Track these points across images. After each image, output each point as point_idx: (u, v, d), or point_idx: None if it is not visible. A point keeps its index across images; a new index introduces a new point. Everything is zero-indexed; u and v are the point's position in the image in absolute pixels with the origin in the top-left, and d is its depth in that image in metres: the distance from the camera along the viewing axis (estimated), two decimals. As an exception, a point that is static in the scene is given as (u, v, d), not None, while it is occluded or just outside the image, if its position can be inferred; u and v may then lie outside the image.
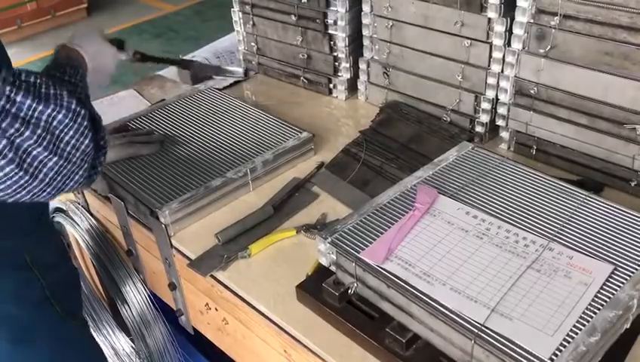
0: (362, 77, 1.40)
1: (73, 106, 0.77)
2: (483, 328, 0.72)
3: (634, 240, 0.84)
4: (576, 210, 0.90)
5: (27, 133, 0.73)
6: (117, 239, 1.23)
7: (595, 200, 0.92)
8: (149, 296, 1.20)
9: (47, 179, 0.76)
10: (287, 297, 0.91)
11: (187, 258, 1.02)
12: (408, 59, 1.29)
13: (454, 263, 0.82)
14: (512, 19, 1.09)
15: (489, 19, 1.12)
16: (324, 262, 0.89)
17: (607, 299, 0.75)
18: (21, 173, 0.73)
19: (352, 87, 1.44)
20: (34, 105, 0.74)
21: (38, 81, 0.76)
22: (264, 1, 1.45)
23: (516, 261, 0.82)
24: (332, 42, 1.39)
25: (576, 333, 0.71)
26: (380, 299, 0.82)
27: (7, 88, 0.72)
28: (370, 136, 1.26)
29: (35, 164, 0.74)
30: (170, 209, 1.03)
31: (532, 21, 1.06)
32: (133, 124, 1.30)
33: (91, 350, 1.08)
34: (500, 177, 0.98)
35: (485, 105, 1.20)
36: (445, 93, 1.25)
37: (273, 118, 1.27)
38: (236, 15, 1.53)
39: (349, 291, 0.85)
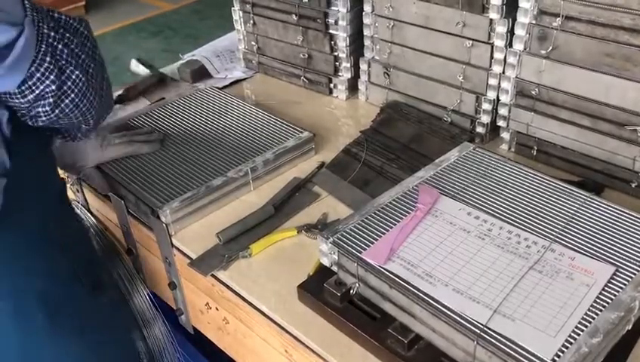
0: (363, 77, 1.40)
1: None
2: (485, 329, 0.72)
3: (635, 242, 0.84)
4: (577, 211, 0.90)
5: (75, 41, 0.80)
6: (117, 238, 1.23)
7: (596, 201, 0.92)
8: (148, 295, 1.19)
9: (97, 89, 0.84)
10: (289, 297, 0.91)
11: (188, 257, 1.02)
12: (409, 60, 1.29)
13: (456, 264, 0.82)
14: (514, 20, 1.09)
15: (491, 20, 1.12)
16: (325, 262, 0.89)
17: (609, 301, 0.75)
18: (84, 79, 0.81)
19: (353, 87, 1.44)
20: (68, 19, 0.82)
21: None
22: (265, 0, 1.45)
23: (518, 262, 0.82)
24: (333, 42, 1.38)
25: (579, 334, 0.71)
26: (381, 299, 0.82)
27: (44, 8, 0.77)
28: (371, 136, 1.26)
29: (89, 70, 0.83)
30: (171, 208, 1.03)
31: (534, 22, 1.06)
32: (133, 123, 1.29)
33: (120, 324, 1.09)
34: (501, 178, 0.98)
35: (486, 106, 1.20)
36: (446, 94, 1.25)
37: (274, 118, 1.27)
38: (237, 14, 1.53)
39: (351, 291, 0.85)
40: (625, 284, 0.77)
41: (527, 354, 0.69)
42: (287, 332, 0.88)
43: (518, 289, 0.78)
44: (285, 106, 1.40)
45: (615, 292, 0.76)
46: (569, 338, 0.71)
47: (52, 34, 0.77)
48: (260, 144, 1.19)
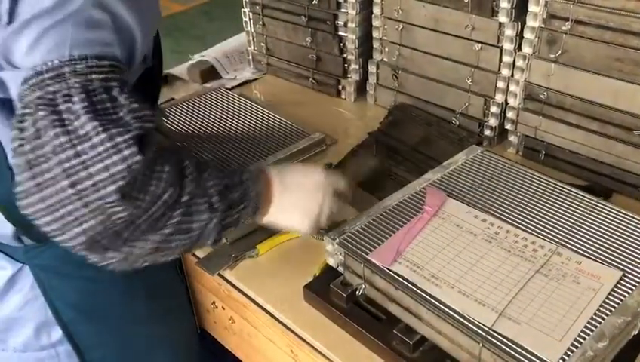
0: (371, 79, 1.40)
1: (131, 159, 0.64)
2: (491, 331, 0.72)
3: (643, 247, 0.84)
4: (584, 216, 0.90)
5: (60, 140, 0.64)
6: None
7: (604, 205, 0.92)
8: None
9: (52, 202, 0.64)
10: (294, 297, 0.91)
11: (195, 256, 1.02)
12: (418, 62, 1.29)
13: (463, 266, 0.82)
14: (523, 23, 1.09)
15: (500, 23, 1.12)
16: (331, 262, 0.89)
17: (616, 305, 0.75)
18: (29, 179, 0.63)
19: (361, 89, 1.44)
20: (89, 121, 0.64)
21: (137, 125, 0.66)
22: (274, 1, 1.45)
23: (524, 265, 0.82)
24: (342, 44, 1.39)
25: (584, 339, 0.71)
26: (387, 300, 0.83)
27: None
28: (379, 139, 1.26)
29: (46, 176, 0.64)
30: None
31: (543, 26, 1.06)
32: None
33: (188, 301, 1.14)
34: (509, 181, 0.98)
35: (494, 109, 1.20)
36: (454, 97, 1.25)
37: (284, 119, 1.27)
38: (246, 15, 1.54)
39: (357, 292, 0.86)
40: (632, 289, 0.77)
41: (532, 358, 0.69)
42: (293, 332, 0.89)
43: (524, 292, 0.78)
44: (293, 107, 1.41)
45: (622, 297, 0.76)
46: (575, 342, 0.71)
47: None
48: (271, 145, 1.19)
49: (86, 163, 0.63)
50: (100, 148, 0.63)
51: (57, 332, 0.92)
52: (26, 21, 0.66)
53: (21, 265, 0.89)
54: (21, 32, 0.66)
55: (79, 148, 0.63)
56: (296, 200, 0.82)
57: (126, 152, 0.64)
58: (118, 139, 0.64)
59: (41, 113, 0.64)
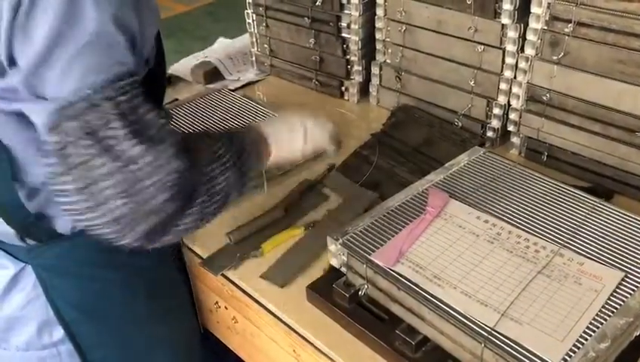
0: (374, 80, 1.40)
1: (170, 164, 0.70)
2: (493, 332, 0.73)
3: (645, 248, 0.84)
4: (587, 217, 0.90)
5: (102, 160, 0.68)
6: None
7: (606, 207, 0.92)
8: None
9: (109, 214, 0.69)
10: (297, 297, 0.92)
11: (199, 256, 1.03)
12: (421, 64, 1.30)
13: (465, 267, 0.83)
14: (526, 25, 1.09)
15: (502, 25, 1.12)
16: (334, 263, 0.90)
17: (618, 306, 0.76)
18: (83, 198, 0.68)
19: (364, 90, 1.44)
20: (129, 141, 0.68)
21: (149, 116, 0.71)
22: (278, 3, 1.46)
23: (527, 266, 0.82)
24: (345, 45, 1.39)
25: (586, 339, 0.71)
26: (390, 301, 0.83)
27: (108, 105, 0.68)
28: (382, 140, 1.26)
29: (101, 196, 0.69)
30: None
31: (546, 28, 1.06)
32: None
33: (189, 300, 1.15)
34: (511, 182, 0.99)
35: (497, 111, 1.21)
36: (457, 98, 1.26)
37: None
38: (250, 17, 1.54)
39: (360, 293, 0.86)
40: (634, 290, 0.78)
41: (534, 358, 0.70)
42: (296, 332, 0.89)
43: (526, 293, 0.78)
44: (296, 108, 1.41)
45: (624, 298, 0.77)
46: (576, 343, 0.71)
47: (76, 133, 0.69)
48: (273, 146, 1.20)
49: (138, 182, 0.68)
50: (149, 169, 0.68)
51: (59, 332, 0.92)
52: (47, 52, 0.67)
53: (23, 264, 0.89)
54: (46, 65, 0.67)
55: (129, 169, 0.68)
56: (282, 126, 0.96)
57: (173, 165, 0.70)
58: (163, 156, 0.69)
59: (84, 142, 0.67)
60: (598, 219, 0.90)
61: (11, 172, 0.80)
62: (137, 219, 0.70)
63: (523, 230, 0.89)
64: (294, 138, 0.95)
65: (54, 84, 0.68)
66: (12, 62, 0.69)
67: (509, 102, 1.18)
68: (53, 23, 0.66)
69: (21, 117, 0.75)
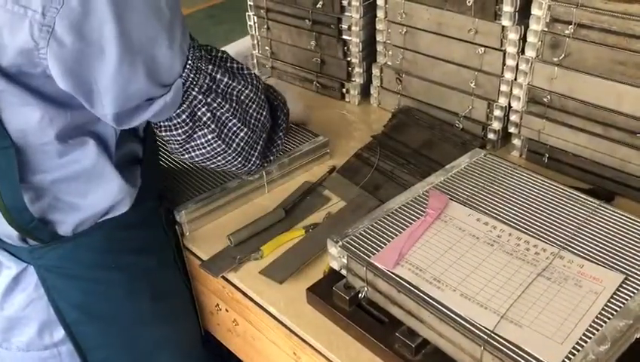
0: (375, 82, 1.40)
1: (255, 81, 0.93)
2: (493, 334, 0.73)
3: (645, 250, 0.84)
4: (587, 219, 0.90)
5: (226, 107, 0.89)
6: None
7: (607, 209, 0.92)
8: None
9: (238, 149, 0.94)
10: (297, 300, 0.92)
11: (199, 259, 1.03)
12: (421, 66, 1.30)
13: (465, 269, 0.82)
14: (526, 27, 1.09)
15: (503, 27, 1.12)
16: (334, 265, 0.90)
17: (618, 309, 0.75)
18: (219, 142, 0.91)
19: (365, 92, 1.44)
20: (229, 81, 0.89)
21: (225, 55, 0.91)
22: (279, 5, 1.46)
23: (527, 268, 0.82)
24: (346, 47, 1.39)
25: (586, 342, 0.71)
26: (390, 303, 0.83)
27: (209, 67, 0.86)
28: (382, 141, 1.26)
29: (230, 134, 0.91)
30: (187, 209, 1.04)
31: (546, 29, 1.06)
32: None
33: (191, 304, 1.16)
34: (511, 185, 0.99)
35: (498, 113, 1.20)
36: (458, 100, 1.26)
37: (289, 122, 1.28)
38: (251, 19, 1.55)
39: (360, 295, 0.86)
40: (634, 292, 0.77)
41: (533, 361, 0.69)
42: (296, 334, 0.89)
43: (526, 295, 0.78)
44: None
45: (624, 301, 0.76)
46: (576, 346, 0.71)
47: (200, 97, 0.87)
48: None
49: (247, 112, 0.94)
50: (251, 95, 0.94)
51: (60, 332, 0.92)
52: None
53: (26, 264, 0.89)
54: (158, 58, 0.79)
55: (241, 105, 0.93)
56: None
57: (260, 83, 0.96)
58: (250, 80, 0.94)
59: (207, 99, 0.87)
60: (599, 221, 0.90)
61: (19, 174, 0.80)
62: (253, 144, 0.96)
63: (523, 232, 0.88)
64: None
65: (168, 69, 0.80)
66: (163, 85, 0.81)
67: (509, 103, 1.18)
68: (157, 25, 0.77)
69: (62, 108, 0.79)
